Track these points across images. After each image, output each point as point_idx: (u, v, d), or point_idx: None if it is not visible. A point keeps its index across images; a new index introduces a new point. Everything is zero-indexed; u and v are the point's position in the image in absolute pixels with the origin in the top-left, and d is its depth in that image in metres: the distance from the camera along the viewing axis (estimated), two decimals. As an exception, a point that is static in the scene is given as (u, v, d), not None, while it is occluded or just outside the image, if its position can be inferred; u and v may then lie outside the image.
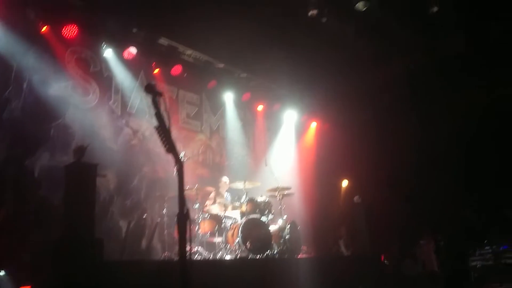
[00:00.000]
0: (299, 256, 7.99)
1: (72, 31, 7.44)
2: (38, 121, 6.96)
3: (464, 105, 9.27)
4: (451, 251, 8.03)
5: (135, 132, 8.44)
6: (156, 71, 8.92)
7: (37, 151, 6.74)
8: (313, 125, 12.03)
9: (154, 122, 2.75)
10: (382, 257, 8.81)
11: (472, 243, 7.91)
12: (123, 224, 7.70)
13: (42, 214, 6.33)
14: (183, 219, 2.36)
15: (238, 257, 7.18)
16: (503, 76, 8.70)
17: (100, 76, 8.10)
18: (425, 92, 9.88)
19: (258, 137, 11.08)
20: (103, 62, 8.15)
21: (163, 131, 2.63)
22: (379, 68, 10.14)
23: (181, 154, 7.42)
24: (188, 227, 2.37)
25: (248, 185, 8.13)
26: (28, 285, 4.41)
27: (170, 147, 2.58)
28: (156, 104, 2.79)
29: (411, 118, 10.07)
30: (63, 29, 7.38)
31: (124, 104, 8.41)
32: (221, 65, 9.65)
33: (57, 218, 5.86)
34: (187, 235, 2.36)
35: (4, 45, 6.65)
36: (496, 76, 8.77)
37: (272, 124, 11.33)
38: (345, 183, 11.28)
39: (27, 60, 6.88)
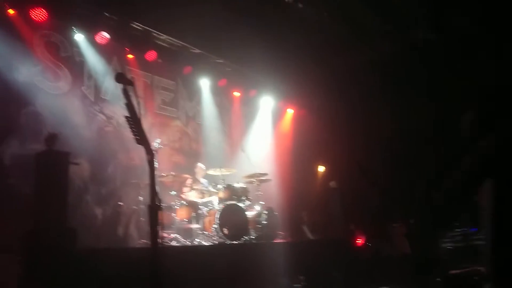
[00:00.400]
0: (276, 241, 8.10)
1: (41, 15, 7.19)
2: (7, 108, 6.75)
3: (438, 94, 9.44)
4: (422, 234, 8.26)
5: (109, 118, 8.28)
6: (130, 56, 8.75)
7: (6, 139, 6.55)
8: (290, 111, 12.07)
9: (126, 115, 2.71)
10: (363, 240, 9.03)
11: (442, 226, 8.15)
12: (98, 212, 7.63)
13: (12, 203, 6.19)
14: (154, 209, 2.35)
15: (215, 243, 7.23)
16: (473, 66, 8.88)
17: (72, 61, 7.88)
18: (398, 80, 10.01)
19: (234, 124, 11.06)
20: (75, 47, 7.92)
21: (134, 122, 2.60)
22: (354, 55, 10.20)
23: (157, 141, 7.37)
24: (159, 217, 2.37)
25: (224, 171, 8.16)
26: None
27: (141, 138, 2.56)
28: (126, 94, 2.75)
29: (384, 105, 10.20)
30: (31, 12, 7.12)
31: (97, 90, 8.22)
32: (197, 51, 9.53)
33: (28, 207, 5.75)
34: (159, 225, 2.37)
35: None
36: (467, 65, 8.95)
37: (248, 111, 11.31)
38: (321, 168, 11.42)
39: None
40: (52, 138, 5.94)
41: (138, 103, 2.75)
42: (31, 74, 7.12)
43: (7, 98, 6.75)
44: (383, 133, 10.05)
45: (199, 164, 8.62)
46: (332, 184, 10.64)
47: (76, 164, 6.32)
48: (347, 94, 10.73)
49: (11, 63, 6.83)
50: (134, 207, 7.71)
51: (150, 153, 2.52)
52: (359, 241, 9.22)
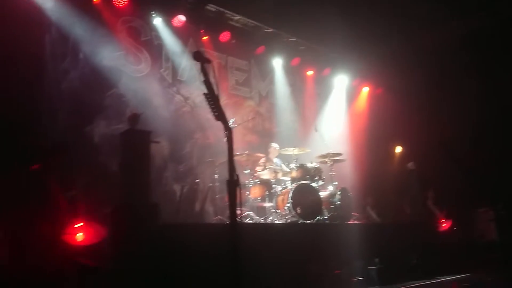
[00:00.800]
0: (350, 222, 7.95)
1: (122, 1, 7.56)
2: (94, 91, 7.23)
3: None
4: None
5: (186, 99, 8.58)
6: (205, 38, 8.94)
7: (95, 119, 7.04)
8: (365, 90, 11.65)
9: (204, 89, 2.75)
10: (448, 224, 8.61)
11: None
12: (177, 189, 7.98)
13: (102, 179, 6.66)
14: (233, 184, 2.38)
15: (288, 221, 7.26)
16: None
17: (151, 45, 8.24)
18: (484, 56, 9.21)
19: (308, 103, 10.91)
20: (153, 30, 8.27)
21: (212, 98, 2.63)
22: (436, 30, 9.53)
23: (231, 121, 7.49)
24: (237, 192, 2.40)
25: (298, 151, 8.10)
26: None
27: (219, 114, 2.59)
28: (204, 72, 2.78)
29: (469, 83, 9.46)
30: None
31: (174, 72, 8.55)
32: (270, 30, 9.48)
33: (116, 183, 6.16)
34: (237, 200, 2.40)
35: (60, 17, 6.89)
36: None
37: (322, 89, 11.10)
38: (398, 149, 10.95)
39: (82, 31, 7.09)
40: (134, 118, 6.27)
41: (215, 81, 2.77)
42: (115, 59, 7.55)
43: (94, 82, 7.22)
44: (469, 112, 9.35)
45: (273, 144, 8.64)
46: (410, 165, 10.17)
47: (157, 142, 6.63)
48: (429, 72, 10.10)
49: (97, 49, 7.28)
50: (210, 184, 7.96)
51: (228, 129, 2.54)
52: (444, 225, 8.78)
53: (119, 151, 6.10)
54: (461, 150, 9.38)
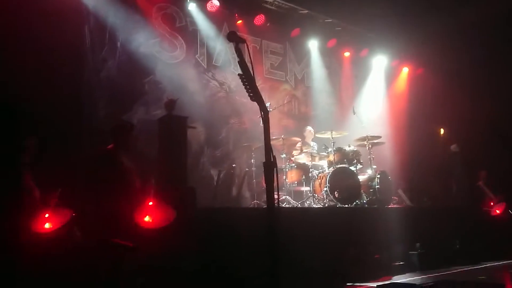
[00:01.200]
0: (389, 206, 7.78)
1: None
2: (132, 78, 7.35)
3: None
4: None
5: (221, 84, 8.59)
6: (239, 22, 8.87)
7: (133, 106, 7.17)
8: (405, 70, 11.28)
9: (239, 70, 2.71)
10: (501, 209, 8.29)
11: None
12: (214, 173, 8.05)
13: (142, 166, 6.79)
14: (270, 166, 2.34)
15: (325, 206, 7.19)
16: None
17: (186, 31, 8.26)
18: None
19: (345, 85, 10.68)
20: (188, 16, 8.28)
21: (248, 79, 2.58)
22: (477, 5, 9.01)
23: (267, 105, 7.43)
24: (275, 174, 2.36)
25: (335, 134, 7.95)
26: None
27: (255, 95, 2.54)
28: (239, 52, 2.74)
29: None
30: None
31: (209, 57, 8.55)
32: (305, 11, 9.28)
33: (154, 167, 6.27)
34: (275, 183, 2.36)
35: (97, 6, 7.01)
36: None
37: (360, 71, 10.82)
38: (441, 131, 10.56)
39: (119, 20, 7.19)
40: (171, 104, 6.34)
41: (250, 62, 2.71)
42: (151, 46, 7.62)
43: (132, 69, 7.33)
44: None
45: (308, 127, 8.54)
46: (454, 147, 9.79)
47: (194, 128, 6.69)
48: (472, 49, 9.61)
49: (133, 37, 7.37)
50: (246, 169, 7.97)
51: (264, 110, 2.49)
52: (497, 210, 8.43)
53: (157, 136, 6.21)
54: (510, 129, 8.93)
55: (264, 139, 2.41)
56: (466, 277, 6.51)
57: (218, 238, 5.43)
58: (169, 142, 6.02)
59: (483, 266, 7.58)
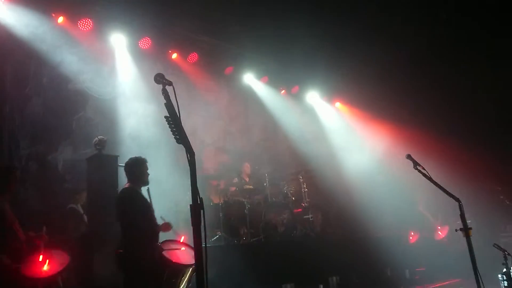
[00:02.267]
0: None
1: (86, 25, 7.43)
2: (59, 116, 7.05)
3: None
4: None
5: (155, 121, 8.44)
6: (174, 56, 8.84)
7: (59, 146, 6.85)
8: (336, 105, 11.83)
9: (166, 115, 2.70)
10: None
11: None
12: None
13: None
14: (197, 209, 2.33)
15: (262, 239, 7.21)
16: None
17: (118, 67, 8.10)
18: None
19: (278, 121, 10.94)
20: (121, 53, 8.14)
21: (174, 122, 2.58)
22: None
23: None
24: (202, 216, 2.35)
25: (269, 169, 8.09)
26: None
27: (181, 138, 2.54)
28: (166, 94, 2.74)
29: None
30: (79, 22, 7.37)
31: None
32: (238, 50, 9.51)
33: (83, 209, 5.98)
34: (202, 224, 2.34)
35: (22, 39, 6.67)
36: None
37: (293, 107, 11.13)
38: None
39: (45, 54, 6.91)
40: (101, 143, 6.15)
41: (177, 105, 2.72)
42: (81, 81, 7.35)
43: (59, 106, 7.03)
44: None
45: (246, 164, 8.63)
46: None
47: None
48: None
49: (61, 71, 7.08)
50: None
51: (190, 152, 2.49)
52: (440, 233, 8.85)
53: (85, 176, 5.96)
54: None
55: (191, 182, 2.40)
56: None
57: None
58: (99, 181, 5.80)
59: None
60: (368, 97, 10.79)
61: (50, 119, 6.87)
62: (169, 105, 2.67)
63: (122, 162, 6.26)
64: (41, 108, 6.83)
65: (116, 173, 5.95)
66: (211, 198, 7.67)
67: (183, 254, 4.64)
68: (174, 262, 4.42)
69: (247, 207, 7.59)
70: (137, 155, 4.86)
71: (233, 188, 8.09)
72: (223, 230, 7.34)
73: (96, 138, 6.20)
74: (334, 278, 7.41)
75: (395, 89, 10.28)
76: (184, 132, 2.55)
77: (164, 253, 4.40)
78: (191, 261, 4.48)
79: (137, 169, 4.72)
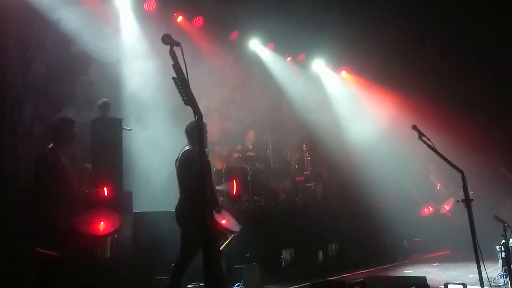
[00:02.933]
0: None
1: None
2: (62, 79, 6.96)
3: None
4: None
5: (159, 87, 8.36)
6: (180, 19, 8.68)
7: (63, 109, 6.78)
8: (342, 74, 11.70)
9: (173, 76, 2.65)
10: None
11: None
12: (152, 177, 7.80)
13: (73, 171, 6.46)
14: (204, 170, 2.32)
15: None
16: None
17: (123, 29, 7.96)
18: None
19: (284, 90, 10.84)
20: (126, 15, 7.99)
21: (182, 83, 2.54)
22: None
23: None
24: (208, 178, 2.35)
25: (272, 137, 8.08)
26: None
27: (189, 99, 2.51)
28: (173, 55, 2.69)
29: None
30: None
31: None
32: (244, 14, 9.32)
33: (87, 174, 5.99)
34: (208, 187, 2.34)
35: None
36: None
37: (299, 75, 11.02)
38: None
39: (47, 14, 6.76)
40: (105, 106, 6.12)
41: (185, 65, 2.67)
42: (84, 44, 7.23)
43: (62, 69, 6.93)
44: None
45: (250, 131, 8.61)
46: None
47: (129, 130, 6.48)
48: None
49: (64, 34, 6.96)
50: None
51: (198, 114, 2.47)
52: (446, 207, 8.99)
53: (89, 140, 5.94)
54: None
55: (198, 143, 2.39)
56: (393, 272, 6.91)
57: (154, 240, 5.35)
58: (103, 144, 5.80)
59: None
60: (374, 67, 10.67)
61: (52, 82, 6.75)
62: (176, 66, 2.62)
63: (125, 126, 6.32)
64: (44, 71, 6.69)
65: (120, 136, 5.95)
66: (214, 164, 7.67)
67: (229, 221, 4.94)
68: (223, 227, 4.70)
69: (249, 174, 7.63)
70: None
71: (236, 155, 8.11)
72: (225, 195, 7.41)
73: (101, 100, 6.15)
74: (333, 245, 7.55)
75: (402, 59, 10.15)
76: (192, 94, 2.52)
77: (216, 216, 4.60)
78: (235, 228, 4.91)
79: (193, 132, 4.75)
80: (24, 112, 6.30)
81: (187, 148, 4.76)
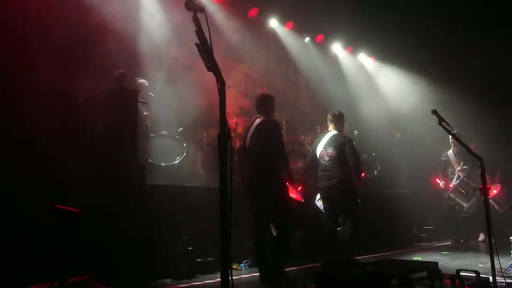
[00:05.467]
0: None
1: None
2: (80, 48, 6.93)
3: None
4: None
5: (175, 61, 8.33)
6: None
7: (80, 78, 6.78)
8: (361, 57, 11.50)
9: (195, 51, 2.60)
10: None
11: None
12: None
13: (89, 141, 6.47)
14: (225, 139, 2.28)
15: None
16: None
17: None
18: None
19: (300, 69, 10.71)
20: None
21: (205, 49, 2.49)
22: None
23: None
24: (228, 147, 2.31)
25: (287, 116, 8.01)
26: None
27: (212, 65, 2.46)
28: (197, 21, 2.63)
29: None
30: None
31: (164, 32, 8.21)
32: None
33: (102, 144, 6.00)
34: (228, 156, 2.30)
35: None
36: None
37: (316, 56, 10.87)
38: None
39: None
40: (122, 77, 6.10)
41: (209, 32, 2.62)
42: (103, 15, 7.18)
43: (81, 38, 6.90)
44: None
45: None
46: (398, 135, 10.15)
47: (145, 102, 6.47)
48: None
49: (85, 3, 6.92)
50: (205, 147, 7.83)
51: (221, 80, 2.42)
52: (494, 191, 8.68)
53: (105, 111, 5.94)
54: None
55: (219, 110, 2.34)
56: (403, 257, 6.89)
57: (167, 216, 5.36)
58: (119, 116, 5.80)
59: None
60: (393, 50, 10.48)
61: (70, 51, 6.73)
62: (200, 33, 2.57)
63: (140, 98, 6.31)
64: (62, 38, 6.67)
65: (135, 108, 5.94)
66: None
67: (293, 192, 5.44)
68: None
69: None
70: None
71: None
72: (236, 173, 7.37)
73: (117, 71, 6.13)
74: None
75: (422, 43, 9.95)
76: (215, 60, 2.47)
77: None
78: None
79: (272, 104, 5.31)
80: (41, 77, 6.29)
81: (264, 118, 5.10)
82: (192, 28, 2.60)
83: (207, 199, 5.46)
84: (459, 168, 8.22)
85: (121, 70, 6.23)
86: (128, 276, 4.77)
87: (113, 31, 7.29)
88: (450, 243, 8.40)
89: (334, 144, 5.77)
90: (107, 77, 6.84)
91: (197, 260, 5.38)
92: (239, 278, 5.22)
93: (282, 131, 5.13)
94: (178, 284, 4.88)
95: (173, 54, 8.27)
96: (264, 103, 5.23)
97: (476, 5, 8.97)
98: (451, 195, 8.23)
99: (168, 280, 5.03)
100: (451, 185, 8.25)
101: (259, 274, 4.95)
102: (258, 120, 5.14)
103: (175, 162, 6.69)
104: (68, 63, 6.67)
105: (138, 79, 6.90)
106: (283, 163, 5.03)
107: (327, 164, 5.77)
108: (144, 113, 6.65)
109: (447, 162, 8.49)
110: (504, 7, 8.91)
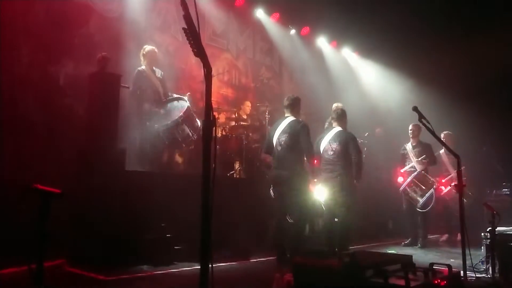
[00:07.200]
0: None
1: None
2: (62, 28, 6.76)
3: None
4: None
5: (158, 46, 8.19)
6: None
7: (61, 59, 6.63)
8: (345, 51, 11.55)
9: (179, 37, 2.57)
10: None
11: None
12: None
13: (68, 123, 6.36)
14: (209, 125, 2.27)
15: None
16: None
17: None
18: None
19: (285, 61, 10.71)
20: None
21: (192, 34, 2.46)
22: None
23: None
24: (213, 132, 2.30)
25: (270, 108, 8.02)
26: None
27: (199, 51, 2.43)
28: (185, 5, 2.59)
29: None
30: None
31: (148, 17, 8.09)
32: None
33: (82, 127, 5.91)
34: (212, 141, 2.29)
35: None
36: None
37: (301, 49, 10.88)
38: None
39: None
40: (104, 61, 5.98)
41: (197, 17, 2.58)
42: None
43: (62, 17, 6.73)
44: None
45: (247, 102, 8.56)
46: (378, 131, 10.27)
47: (127, 88, 6.36)
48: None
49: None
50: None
51: (207, 66, 2.40)
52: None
53: (86, 94, 5.83)
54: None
55: (205, 96, 2.33)
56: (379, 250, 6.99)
57: (143, 201, 5.32)
58: (101, 100, 5.70)
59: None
60: (377, 46, 10.56)
61: (52, 30, 6.57)
62: (187, 17, 2.53)
63: (124, 83, 6.21)
64: (44, 17, 6.51)
65: (118, 92, 5.84)
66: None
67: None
68: None
69: (244, 143, 7.60)
70: None
71: (232, 123, 8.05)
72: (217, 162, 7.37)
73: (100, 54, 6.01)
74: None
75: (405, 40, 10.05)
76: (202, 46, 2.44)
77: None
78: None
79: (300, 105, 5.87)
80: (22, 53, 6.12)
81: (295, 118, 5.63)
82: (178, 13, 2.56)
83: (187, 186, 5.43)
84: (417, 159, 7.89)
85: (104, 53, 6.09)
86: (104, 261, 4.71)
87: (96, 12, 7.17)
88: (407, 241, 8.10)
89: (339, 139, 6.23)
90: (89, 59, 6.73)
91: (175, 247, 5.35)
92: (218, 266, 5.22)
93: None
94: (155, 271, 4.84)
95: (157, 39, 8.14)
96: (296, 104, 5.78)
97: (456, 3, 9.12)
98: (407, 188, 7.87)
99: (144, 267, 4.97)
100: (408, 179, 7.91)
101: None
102: (289, 119, 5.67)
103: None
104: (50, 43, 6.53)
105: (146, 47, 6.65)
106: (310, 160, 5.59)
107: (331, 157, 6.22)
108: (157, 79, 6.51)
109: (405, 155, 8.19)
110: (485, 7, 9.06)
